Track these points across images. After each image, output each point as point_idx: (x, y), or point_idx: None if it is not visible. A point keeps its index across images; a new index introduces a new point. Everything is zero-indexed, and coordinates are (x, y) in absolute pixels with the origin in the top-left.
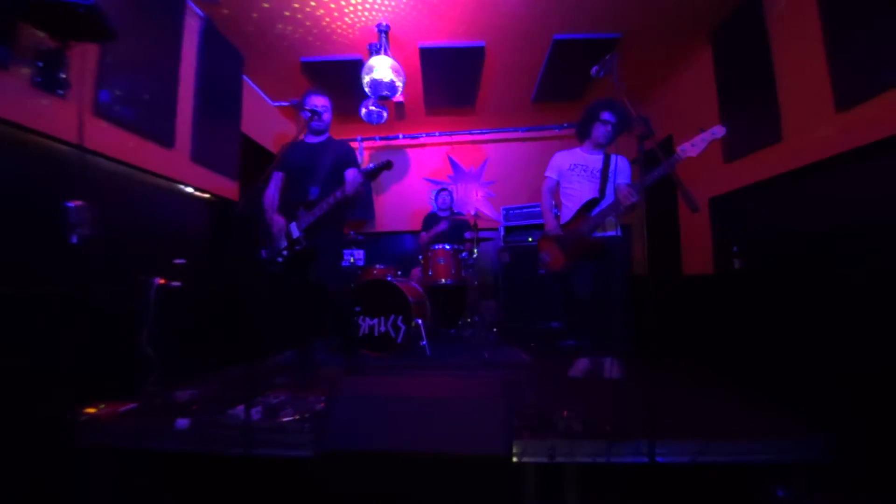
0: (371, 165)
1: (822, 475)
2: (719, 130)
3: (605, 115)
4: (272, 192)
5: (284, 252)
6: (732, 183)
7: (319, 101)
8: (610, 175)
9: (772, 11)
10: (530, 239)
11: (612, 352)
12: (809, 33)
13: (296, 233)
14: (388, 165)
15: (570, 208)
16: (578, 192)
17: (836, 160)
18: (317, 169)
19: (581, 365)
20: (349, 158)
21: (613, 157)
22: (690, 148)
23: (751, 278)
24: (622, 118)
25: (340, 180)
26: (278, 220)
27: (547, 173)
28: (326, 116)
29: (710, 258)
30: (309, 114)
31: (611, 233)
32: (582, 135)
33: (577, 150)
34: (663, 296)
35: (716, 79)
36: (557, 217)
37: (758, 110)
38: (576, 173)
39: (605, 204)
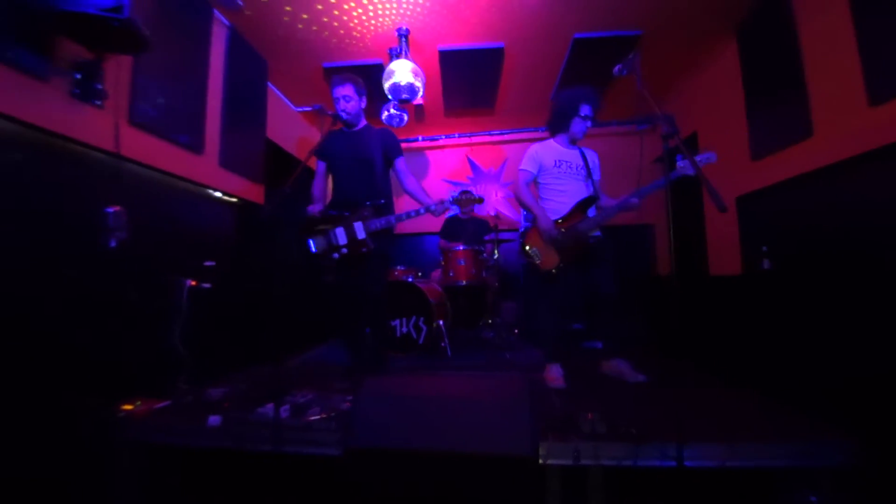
0: (458, 194)
1: (854, 481)
2: (711, 157)
3: (585, 111)
4: (320, 182)
5: (344, 250)
6: (761, 181)
7: (341, 92)
8: (591, 172)
9: (800, 2)
10: None
11: (625, 352)
12: (840, 24)
13: (361, 234)
14: (479, 200)
15: (560, 204)
16: (568, 189)
17: (869, 156)
18: (368, 162)
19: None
20: (395, 147)
21: (587, 152)
22: (687, 167)
23: (781, 279)
24: (597, 111)
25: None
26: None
27: (525, 167)
28: (352, 107)
29: (738, 258)
30: (337, 111)
31: (598, 233)
32: (556, 128)
33: (552, 143)
34: (689, 296)
35: (742, 73)
36: None
37: (787, 105)
38: (563, 170)
39: (598, 203)
